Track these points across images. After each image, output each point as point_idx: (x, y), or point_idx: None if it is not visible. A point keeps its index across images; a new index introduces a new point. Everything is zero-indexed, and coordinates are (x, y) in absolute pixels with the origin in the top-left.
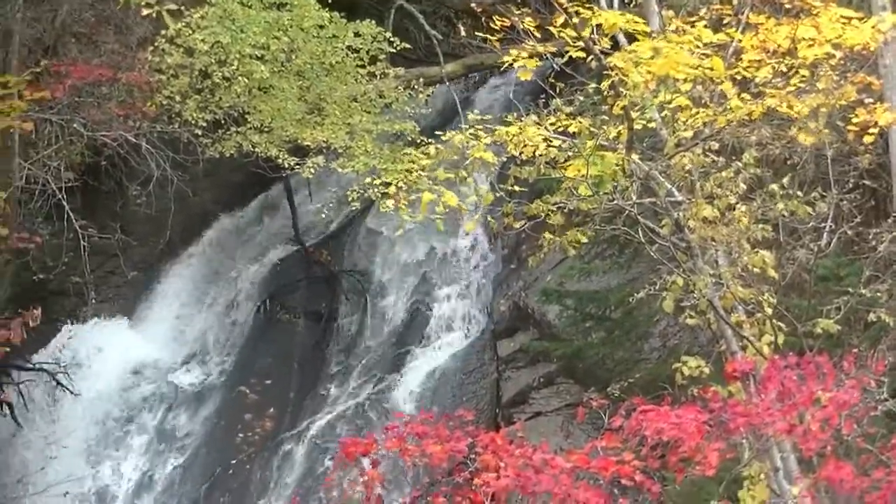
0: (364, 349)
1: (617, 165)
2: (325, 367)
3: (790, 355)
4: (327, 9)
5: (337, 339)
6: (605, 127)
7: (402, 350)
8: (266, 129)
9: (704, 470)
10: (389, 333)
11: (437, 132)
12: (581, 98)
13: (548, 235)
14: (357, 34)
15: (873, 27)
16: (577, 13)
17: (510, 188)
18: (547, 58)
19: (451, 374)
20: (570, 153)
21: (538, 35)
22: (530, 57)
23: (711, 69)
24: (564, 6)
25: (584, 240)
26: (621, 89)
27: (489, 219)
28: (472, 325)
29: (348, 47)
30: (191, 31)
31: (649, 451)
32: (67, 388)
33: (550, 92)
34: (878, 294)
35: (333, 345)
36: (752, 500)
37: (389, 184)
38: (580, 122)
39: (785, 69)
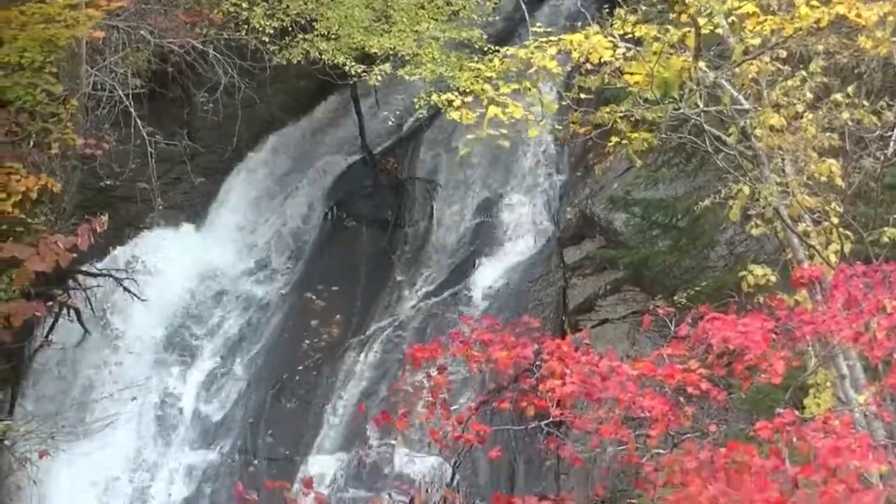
0: (430, 256)
1: (684, 72)
2: (391, 273)
3: (857, 263)
4: None
5: (403, 246)
6: (670, 31)
7: (468, 257)
8: (333, 37)
9: (770, 378)
10: (456, 241)
11: (504, 40)
12: (645, 7)
13: (614, 139)
14: None
15: None
16: None
17: (576, 97)
18: None
19: (517, 282)
20: (636, 61)
21: None
22: None
23: None
24: None
25: (653, 141)
26: None
27: (556, 127)
28: (538, 233)
29: None
30: None
31: (715, 359)
32: (134, 294)
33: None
34: None
35: (399, 252)
36: (818, 408)
37: (456, 89)
38: (646, 28)
39: None
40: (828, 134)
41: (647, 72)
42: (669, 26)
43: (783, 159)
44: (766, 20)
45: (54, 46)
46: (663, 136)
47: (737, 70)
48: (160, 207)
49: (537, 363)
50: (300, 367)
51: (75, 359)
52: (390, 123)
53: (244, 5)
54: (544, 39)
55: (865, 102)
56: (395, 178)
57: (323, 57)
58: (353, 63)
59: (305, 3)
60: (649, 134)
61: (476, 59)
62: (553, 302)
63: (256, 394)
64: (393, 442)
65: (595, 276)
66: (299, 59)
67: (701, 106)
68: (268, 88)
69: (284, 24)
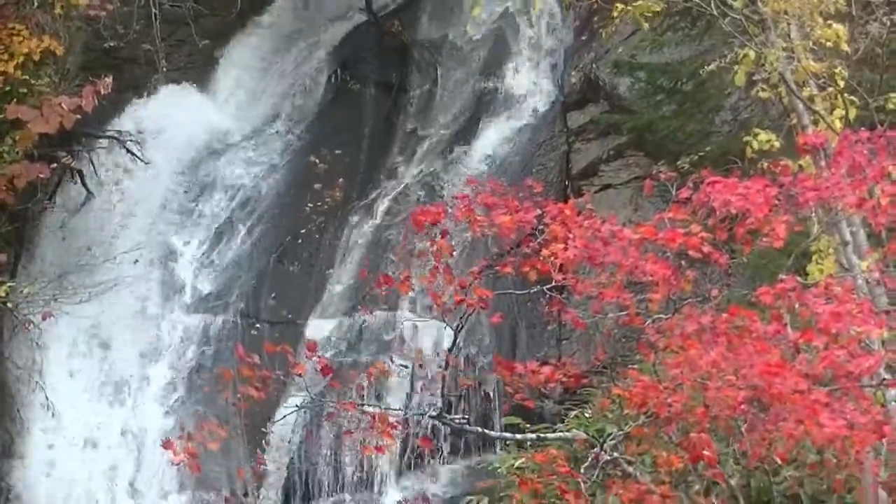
0: (434, 120)
1: None
2: (395, 137)
3: (861, 130)
4: None
5: (407, 109)
6: None
7: (472, 121)
8: None
9: (772, 242)
10: (460, 104)
11: None
12: None
13: (619, 6)
14: None
15: None
16: None
17: None
18: None
19: (520, 146)
20: None
21: None
22: None
23: None
24: None
25: (657, 9)
26: None
27: None
28: (542, 97)
29: None
30: None
31: (717, 223)
32: (138, 157)
33: None
34: None
35: (404, 115)
36: (821, 274)
37: None
38: None
39: None
40: None
41: None
42: None
43: (789, 24)
44: None
45: None
46: None
47: None
48: (164, 70)
49: (540, 227)
50: (303, 231)
51: (78, 221)
52: None
53: None
54: None
55: None
56: (399, 41)
57: None
58: None
59: None
60: None
61: None
62: (556, 166)
63: (259, 257)
64: (396, 307)
65: (598, 141)
66: None
67: None
68: None
69: None
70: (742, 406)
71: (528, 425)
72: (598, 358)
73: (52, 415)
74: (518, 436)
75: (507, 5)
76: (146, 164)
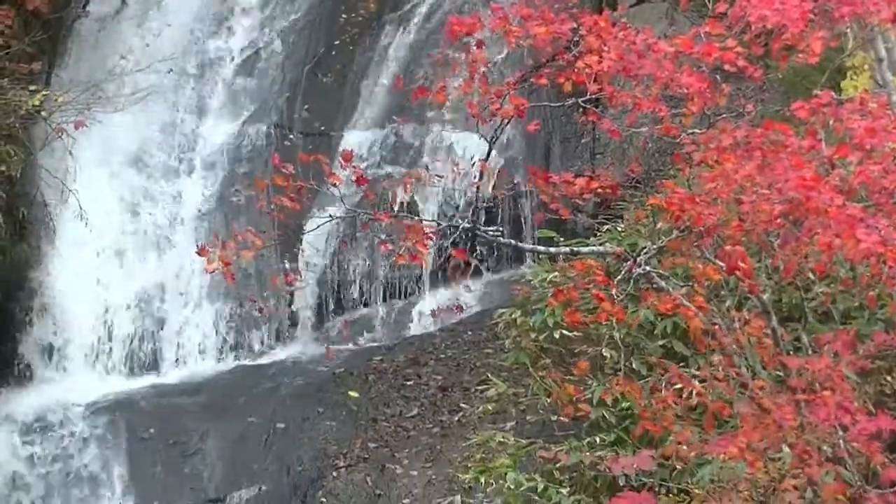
0: None
1: None
2: None
3: None
4: None
5: None
6: None
7: None
8: None
9: (808, 58)
10: None
11: None
12: None
13: None
14: None
15: None
16: None
17: None
18: None
19: None
20: None
21: None
22: None
23: None
24: None
25: None
26: None
27: None
28: None
29: None
30: None
31: (753, 38)
32: None
33: None
34: None
35: None
36: (855, 90)
37: None
38: None
39: None
40: None
41: None
42: None
43: None
44: None
45: None
46: None
47: None
48: None
49: (575, 40)
50: (337, 42)
51: (113, 30)
52: None
53: None
54: None
55: None
56: None
57: None
58: None
59: None
60: None
61: None
62: None
63: (293, 68)
64: (430, 119)
65: None
66: None
67: None
68: None
69: None
70: (777, 220)
71: (561, 238)
72: (632, 171)
73: (86, 224)
74: (552, 249)
75: None
76: None
